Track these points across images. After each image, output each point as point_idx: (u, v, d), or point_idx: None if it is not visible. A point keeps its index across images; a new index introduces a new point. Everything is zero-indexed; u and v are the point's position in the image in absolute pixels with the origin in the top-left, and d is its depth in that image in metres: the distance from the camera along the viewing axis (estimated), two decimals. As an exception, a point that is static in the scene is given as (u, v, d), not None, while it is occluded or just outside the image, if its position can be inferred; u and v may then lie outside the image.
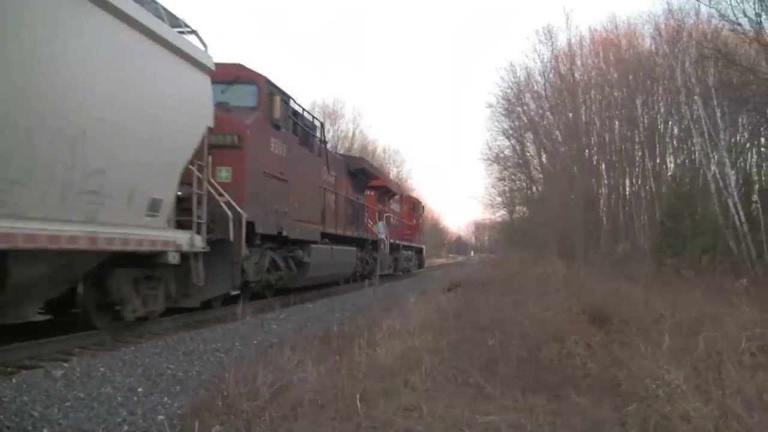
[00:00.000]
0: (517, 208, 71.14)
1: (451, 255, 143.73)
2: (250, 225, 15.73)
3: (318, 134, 22.51)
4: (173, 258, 12.81)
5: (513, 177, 66.64)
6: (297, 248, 19.89)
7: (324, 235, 22.19)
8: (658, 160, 44.30)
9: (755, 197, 27.14)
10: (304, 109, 21.70)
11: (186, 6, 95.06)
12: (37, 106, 8.65)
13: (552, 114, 56.33)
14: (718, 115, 27.23)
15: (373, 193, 32.79)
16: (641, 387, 7.62)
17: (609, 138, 50.01)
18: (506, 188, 69.12)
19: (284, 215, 18.23)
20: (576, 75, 53.87)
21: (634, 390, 7.67)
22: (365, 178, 29.76)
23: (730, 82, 27.96)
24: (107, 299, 12.12)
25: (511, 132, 62.86)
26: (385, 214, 34.87)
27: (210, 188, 14.18)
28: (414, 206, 48.53)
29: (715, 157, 27.72)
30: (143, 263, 12.52)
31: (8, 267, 8.99)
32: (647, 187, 42.97)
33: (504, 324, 12.17)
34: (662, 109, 44.64)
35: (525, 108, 59.89)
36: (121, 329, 12.67)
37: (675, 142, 43.76)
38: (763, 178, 35.28)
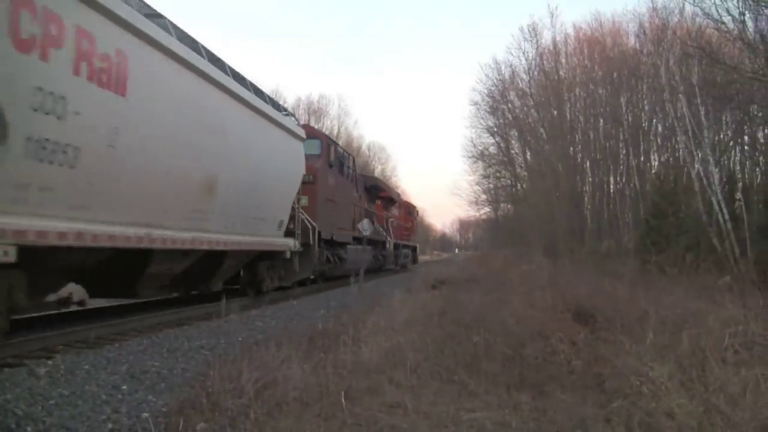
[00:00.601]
0: (502, 205, 71.18)
1: (435, 252, 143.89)
2: (319, 233, 23.92)
3: (350, 164, 32.09)
4: (287, 255, 21.48)
5: (498, 174, 66.66)
6: (339, 248, 28.71)
7: (353, 238, 30.78)
8: (642, 158, 44.34)
9: (739, 195, 27.15)
10: (345, 151, 32.38)
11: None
12: (251, 180, 17.58)
13: (537, 111, 56.29)
14: (702, 113, 27.26)
15: (380, 201, 41.76)
16: (626, 384, 7.65)
17: (593, 136, 50.03)
18: (491, 186, 69.18)
19: (333, 225, 27.18)
20: (561, 73, 53.91)
21: (619, 387, 7.70)
22: (375, 191, 40.04)
23: (714, 81, 28.02)
24: (254, 279, 20.56)
25: (495, 129, 62.87)
26: (389, 219, 44.05)
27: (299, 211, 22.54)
28: (410, 210, 57.65)
29: (699, 155, 27.75)
30: (271, 257, 20.86)
31: (224, 260, 17.54)
32: (631, 185, 43.03)
33: (489, 321, 12.21)
34: (646, 107, 44.68)
35: (510, 105, 59.90)
36: (261, 295, 20.61)
37: (659, 140, 43.79)
38: (746, 176, 35.39)
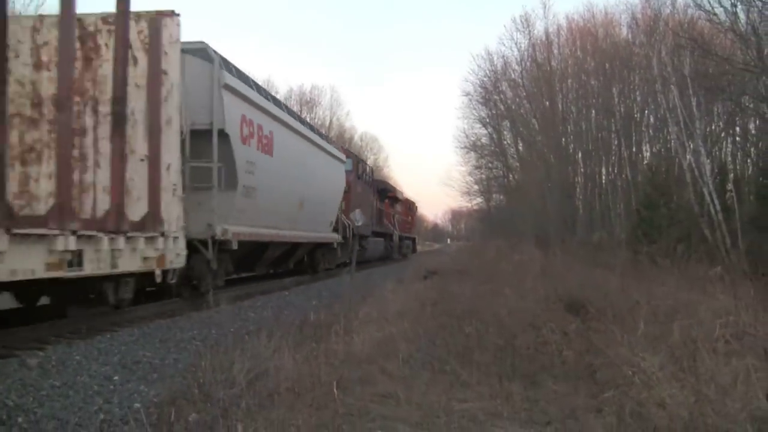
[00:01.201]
0: (494, 196, 71.34)
1: (427, 243, 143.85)
2: (352, 230, 30.39)
3: (370, 173, 41.23)
4: (335, 245, 29.05)
5: (490, 165, 66.84)
6: (363, 240, 34.50)
7: (372, 231, 38.28)
8: (634, 149, 44.45)
9: (730, 186, 27.25)
10: (366, 164, 42.76)
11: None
12: (306, 190, 23.17)
13: (529, 102, 56.33)
14: (694, 104, 27.32)
15: (387, 201, 47.56)
16: (617, 374, 7.66)
17: (585, 127, 50.09)
18: (483, 176, 69.34)
19: (369, 223, 35.35)
20: (553, 63, 54.02)
21: (611, 377, 7.71)
22: (385, 192, 46.31)
23: (705, 72, 28.07)
24: (312, 262, 27.71)
25: (487, 120, 62.97)
26: (395, 215, 50.25)
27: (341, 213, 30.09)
28: (410, 207, 63.08)
29: (691, 146, 27.81)
30: (324, 247, 28.06)
31: (298, 249, 24.27)
32: (623, 176, 43.11)
33: (480, 312, 12.22)
34: (638, 98, 44.76)
35: (502, 96, 59.98)
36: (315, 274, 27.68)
37: (651, 131, 43.88)
38: (737, 167, 35.56)
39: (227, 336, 11.88)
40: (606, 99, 45.78)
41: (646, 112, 43.94)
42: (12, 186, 11.03)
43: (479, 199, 75.78)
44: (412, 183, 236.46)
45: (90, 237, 10.22)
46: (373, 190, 40.64)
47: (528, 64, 56.43)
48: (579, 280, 15.99)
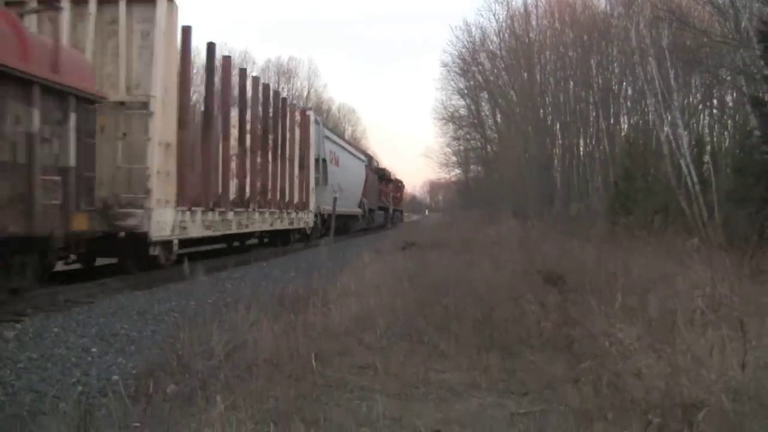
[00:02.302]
0: (472, 167, 71.39)
1: (406, 214, 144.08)
2: (368, 206, 48.74)
3: (376, 163, 58.31)
4: (359, 217, 46.72)
5: (468, 137, 66.98)
6: (372, 213, 49.61)
7: (378, 207, 55.20)
8: (612, 121, 44.49)
9: (707, 158, 27.31)
10: (374, 158, 61.59)
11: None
12: (349, 183, 42.46)
13: (507, 74, 56.28)
14: (672, 76, 27.31)
15: (384, 182, 62.20)
16: (594, 345, 7.69)
17: (563, 98, 50.11)
18: (461, 148, 69.43)
19: (371, 201, 48.56)
20: (531, 35, 53.91)
21: (588, 348, 7.74)
22: (383, 176, 61.61)
23: (683, 44, 28.11)
24: (345, 228, 42.06)
25: (466, 92, 62.96)
26: (389, 194, 65.83)
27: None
28: (399, 185, 79.55)
29: (669, 118, 27.83)
30: (353, 217, 45.07)
31: (341, 221, 39.87)
32: (601, 148, 43.16)
33: (458, 283, 12.25)
34: (616, 70, 44.72)
35: (480, 68, 59.92)
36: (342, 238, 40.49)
37: (629, 103, 43.90)
38: (715, 139, 35.62)
39: (205, 308, 11.86)
40: (584, 71, 45.79)
41: (624, 84, 43.94)
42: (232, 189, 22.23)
43: (457, 171, 76.04)
44: (390, 154, 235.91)
45: (281, 211, 26.37)
46: (377, 177, 56.88)
47: (506, 35, 56.46)
48: (557, 252, 16.05)
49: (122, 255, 16.68)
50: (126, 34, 16.02)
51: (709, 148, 30.67)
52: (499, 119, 59.58)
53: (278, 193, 26.32)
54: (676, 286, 10.25)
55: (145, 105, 15.82)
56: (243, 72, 25.34)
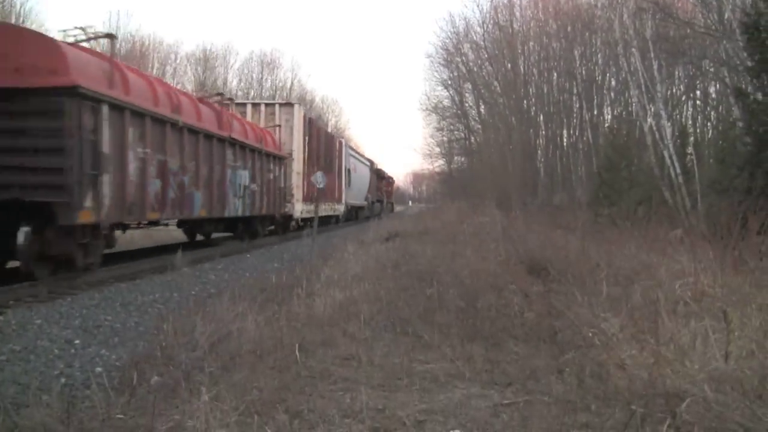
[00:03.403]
0: (456, 158, 71.27)
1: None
2: (371, 200, 65.09)
3: (375, 166, 69.71)
4: (366, 207, 61.25)
5: (451, 127, 66.75)
6: (373, 204, 65.53)
7: (376, 200, 69.81)
8: (595, 112, 44.60)
9: (690, 149, 27.37)
10: (374, 162, 69.89)
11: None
12: (361, 184, 58.44)
13: (491, 65, 56.26)
14: (655, 67, 27.38)
15: (380, 179, 74.58)
16: (578, 336, 7.72)
17: (547, 89, 50.21)
18: (445, 138, 69.22)
19: (372, 195, 64.33)
20: (515, 26, 53.88)
21: (571, 339, 7.78)
22: (380, 174, 73.90)
23: (667, 35, 28.15)
24: (355, 216, 56.14)
25: (449, 82, 62.85)
26: (384, 188, 79.09)
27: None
28: (390, 180, 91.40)
29: (652, 109, 27.91)
30: (360, 208, 59.18)
31: (354, 211, 57.01)
32: (585, 139, 43.30)
33: (442, 274, 12.27)
34: (600, 61, 44.83)
35: (464, 58, 59.81)
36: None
37: (612, 94, 44.02)
38: (698, 130, 35.79)
39: (189, 299, 11.85)
40: (568, 62, 45.87)
41: (608, 75, 44.03)
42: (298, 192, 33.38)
43: (441, 162, 75.87)
44: (373, 146, 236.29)
45: (331, 204, 41.87)
46: (376, 176, 69.59)
47: (490, 26, 56.39)
48: (540, 243, 16.06)
49: (277, 225, 31.52)
50: (279, 120, 31.45)
51: (692, 139, 30.83)
52: (482, 110, 59.55)
53: (329, 193, 40.97)
54: (660, 276, 10.30)
55: (290, 155, 31.47)
56: (311, 121, 39.22)
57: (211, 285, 14.00)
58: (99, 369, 7.30)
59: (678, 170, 24.90)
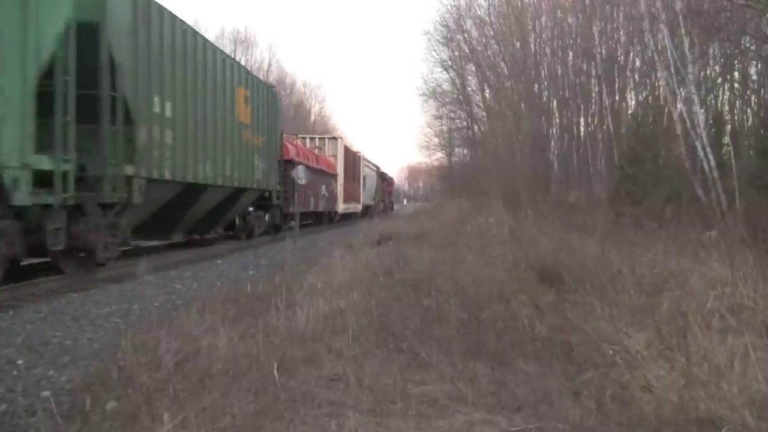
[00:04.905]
0: (457, 150, 71.54)
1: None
2: (378, 200, 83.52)
3: (381, 170, 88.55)
4: (373, 206, 77.10)
5: (452, 115, 67.01)
6: (379, 203, 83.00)
7: (381, 199, 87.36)
8: (617, 97, 44.51)
9: (727, 139, 27.33)
10: (379, 167, 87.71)
11: None
12: (370, 186, 77.34)
13: (497, 43, 56.21)
14: (686, 45, 27.28)
15: (383, 181, 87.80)
16: (597, 353, 7.73)
17: (561, 71, 50.14)
18: (444, 127, 69.48)
19: (379, 196, 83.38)
20: (525, -2, 53.74)
21: (589, 356, 7.78)
22: (384, 177, 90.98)
23: (700, 8, 28.09)
24: (367, 212, 70.70)
25: (450, 63, 62.97)
26: (386, 189, 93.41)
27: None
28: (390, 181, 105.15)
29: (682, 93, 27.87)
30: (368, 207, 73.56)
31: (364, 209, 73.09)
32: (604, 128, 43.20)
33: (441, 282, 12.28)
34: (623, 39, 44.72)
35: (466, 36, 59.74)
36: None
37: (637, 76, 43.91)
38: (735, 117, 35.69)
39: (151, 311, 11.83)
40: (585, 39, 45.69)
41: (632, 54, 43.95)
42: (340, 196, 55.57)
43: (440, 154, 76.17)
44: (362, 136, 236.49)
45: (354, 203, 63.28)
46: (381, 179, 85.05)
47: (496, -2, 56.24)
48: (553, 246, 16.09)
49: (321, 220, 49.25)
50: (327, 149, 53.37)
51: (729, 127, 30.79)
52: (487, 95, 59.60)
53: (354, 196, 59.66)
54: (691, 285, 10.30)
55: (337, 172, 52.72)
56: (346, 147, 59.22)
57: (177, 295, 13.97)
58: (46, 393, 7.26)
59: (712, 163, 24.87)
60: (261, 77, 71.88)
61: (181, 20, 20.38)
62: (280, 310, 10.49)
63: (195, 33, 22.02)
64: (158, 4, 18.37)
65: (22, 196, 12.40)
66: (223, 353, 7.92)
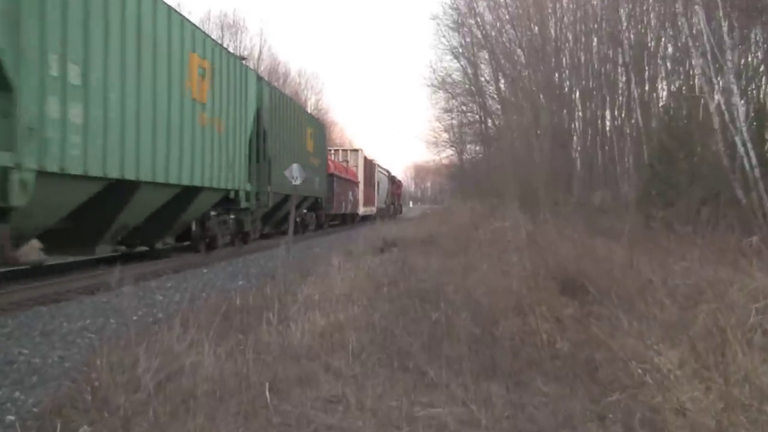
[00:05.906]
0: (468, 146, 71.54)
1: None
2: (389, 203, 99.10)
3: (391, 175, 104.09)
4: (385, 209, 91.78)
5: (463, 107, 66.99)
6: (388, 206, 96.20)
7: (391, 202, 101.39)
8: (647, 87, 44.41)
9: (770, 134, 27.31)
10: (390, 171, 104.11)
11: None
12: (383, 190, 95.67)
13: (513, 28, 56.23)
14: (725, 29, 27.26)
15: (392, 184, 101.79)
16: (624, 372, 7.72)
17: (585, 59, 50.07)
18: (454, 122, 69.43)
19: (389, 198, 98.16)
20: (544, -23, 53.70)
21: (616, 376, 7.78)
22: (393, 180, 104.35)
23: (740, -12, 28.08)
24: (381, 214, 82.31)
25: (461, 51, 63.00)
26: (395, 192, 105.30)
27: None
28: (399, 183, 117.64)
29: (720, 83, 27.82)
30: (381, 209, 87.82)
31: (379, 212, 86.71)
32: (633, 122, 43.17)
33: (451, 293, 12.29)
34: (653, 23, 44.68)
35: (479, 20, 59.78)
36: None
37: (669, 64, 43.86)
38: (779, 110, 35.65)
39: (129, 326, 11.81)
40: (611, 23, 45.70)
41: (663, 39, 43.89)
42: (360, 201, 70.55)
43: (450, 152, 76.17)
44: (364, 131, 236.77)
45: (371, 206, 76.89)
46: (391, 182, 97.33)
47: (512, -22, 56.21)
48: (576, 253, 16.07)
49: (345, 221, 65.77)
50: (350, 161, 67.27)
51: (772, 120, 30.73)
52: (502, 85, 59.59)
53: (371, 200, 70.04)
54: (730, 297, 10.27)
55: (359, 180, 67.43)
56: (365, 158, 71.90)
57: (158, 308, 13.95)
58: (11, 417, 7.26)
59: (753, 161, 24.82)
60: (252, 64, 71.43)
61: None
62: (273, 325, 10.49)
63: None
64: None
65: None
66: (208, 372, 7.91)
